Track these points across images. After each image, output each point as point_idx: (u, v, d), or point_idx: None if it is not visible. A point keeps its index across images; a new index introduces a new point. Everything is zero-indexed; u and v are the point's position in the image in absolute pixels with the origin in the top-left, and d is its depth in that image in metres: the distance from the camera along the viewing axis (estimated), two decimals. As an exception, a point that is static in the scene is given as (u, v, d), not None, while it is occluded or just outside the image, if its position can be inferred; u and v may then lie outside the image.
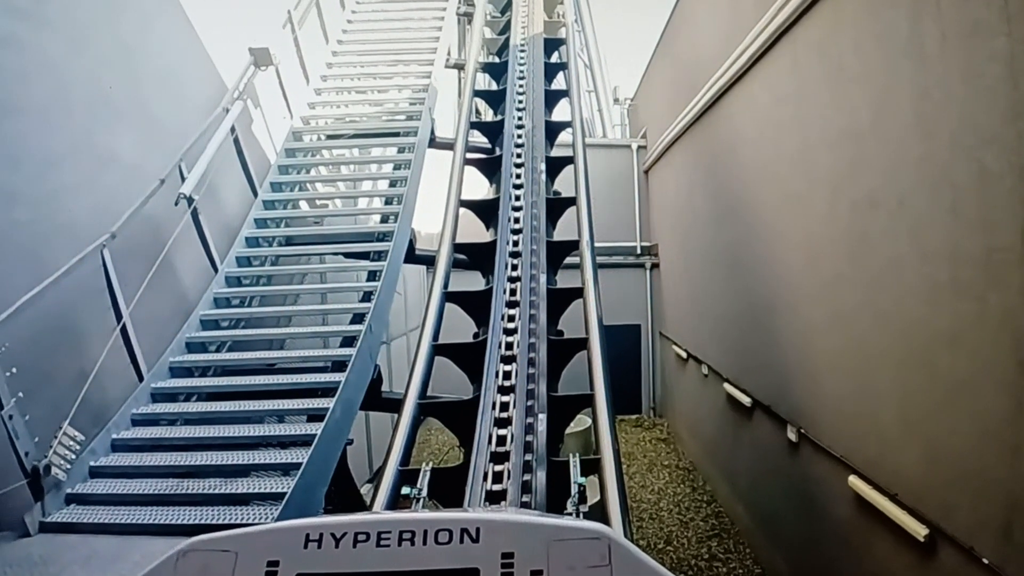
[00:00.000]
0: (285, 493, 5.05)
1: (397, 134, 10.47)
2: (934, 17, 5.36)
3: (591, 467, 4.88)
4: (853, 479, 6.90)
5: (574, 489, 4.44)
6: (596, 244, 7.96)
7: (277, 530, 2.01)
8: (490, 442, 5.19)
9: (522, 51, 11.71)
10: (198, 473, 5.63)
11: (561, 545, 1.87)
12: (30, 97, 5.86)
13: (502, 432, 5.26)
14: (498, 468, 4.93)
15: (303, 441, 5.81)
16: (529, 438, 5.22)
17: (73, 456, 5.28)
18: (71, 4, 6.56)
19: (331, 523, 1.96)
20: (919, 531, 5.73)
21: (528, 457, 5.04)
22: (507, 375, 5.93)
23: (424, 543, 1.89)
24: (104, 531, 4.95)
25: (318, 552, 1.89)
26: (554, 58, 12.06)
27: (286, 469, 5.60)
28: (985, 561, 4.94)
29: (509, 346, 6.31)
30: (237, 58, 9.24)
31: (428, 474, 4.73)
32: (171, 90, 8.05)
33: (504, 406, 5.56)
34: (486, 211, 8.59)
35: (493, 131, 10.13)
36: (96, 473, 5.57)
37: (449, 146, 9.81)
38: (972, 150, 4.98)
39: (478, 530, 1.91)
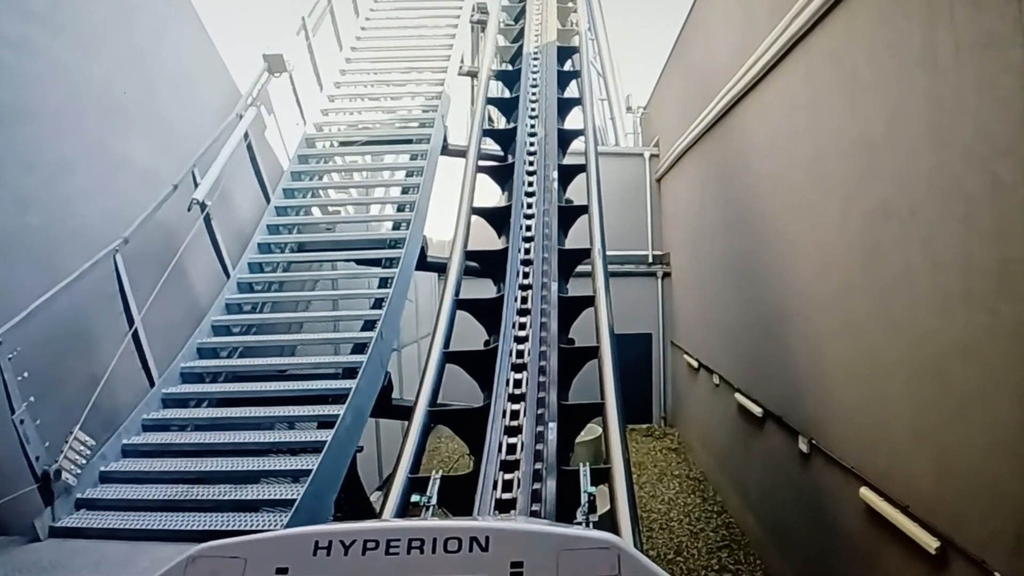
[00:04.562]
0: (295, 500, 5.04)
1: (410, 141, 10.51)
2: (948, 27, 5.35)
3: (601, 476, 4.86)
4: (864, 491, 6.87)
5: (584, 498, 4.42)
6: (608, 253, 7.94)
7: (286, 537, 2.03)
8: (500, 451, 5.16)
9: (535, 59, 11.71)
10: (208, 479, 5.61)
11: (570, 555, 1.87)
12: (43, 102, 5.89)
13: (512, 440, 5.23)
14: (508, 477, 4.90)
15: (313, 448, 5.80)
16: (539, 447, 5.19)
17: (83, 461, 5.29)
18: (85, 9, 6.59)
19: (340, 530, 1.96)
20: (931, 544, 5.69)
21: (538, 466, 5.01)
22: (518, 383, 5.89)
23: (433, 551, 1.89)
24: (113, 536, 4.94)
25: (327, 559, 1.89)
26: (567, 66, 12.06)
27: (296, 476, 5.58)
28: (997, 575, 4.91)
29: (520, 354, 6.29)
30: (251, 64, 9.27)
31: (438, 482, 4.72)
32: (185, 96, 8.08)
33: (515, 414, 5.53)
34: (498, 219, 8.57)
35: (506, 139, 10.12)
36: (106, 478, 5.57)
37: (462, 153, 9.81)
38: (986, 161, 4.96)
39: (487, 539, 1.91)
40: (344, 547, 1.91)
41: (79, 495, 5.28)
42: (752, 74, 9.94)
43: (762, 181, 10.24)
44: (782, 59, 8.91)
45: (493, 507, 4.70)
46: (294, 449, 6.06)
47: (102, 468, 5.60)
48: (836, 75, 7.46)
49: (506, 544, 1.91)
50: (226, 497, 5.36)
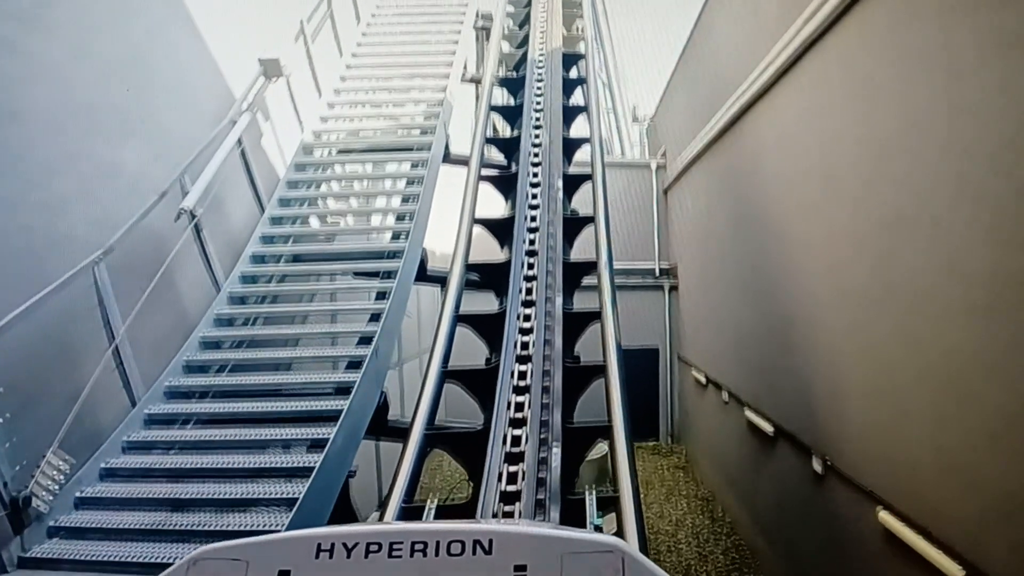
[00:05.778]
0: (280, 530, 4.79)
1: (411, 149, 10.41)
2: (969, 29, 5.15)
3: (609, 504, 4.66)
4: (883, 513, 6.63)
5: (590, 528, 4.24)
6: (614, 265, 7.77)
7: (289, 539, 2.08)
8: (500, 480, 4.99)
9: (540, 66, 11.68)
10: (191, 504, 5.46)
11: (574, 558, 1.91)
12: (31, 104, 5.73)
13: (513, 468, 5.07)
14: (508, 508, 4.72)
15: (302, 472, 5.62)
16: (542, 474, 4.99)
17: (57, 486, 5.10)
18: (77, 10, 6.46)
19: (343, 533, 2.00)
20: (954, 571, 5.44)
21: (541, 496, 4.80)
22: (519, 406, 5.75)
23: (436, 554, 1.93)
24: (88, 568, 4.80)
25: (329, 562, 1.93)
26: (572, 73, 12.02)
27: (285, 503, 5.40)
28: (1026, 606, 4.67)
29: (523, 375, 6.16)
30: (248, 69, 9.13)
31: (433, 512, 4.54)
32: (178, 100, 7.95)
33: (516, 440, 5.36)
34: (501, 230, 8.54)
35: (509, 147, 10.10)
36: (82, 503, 5.40)
37: (464, 162, 9.76)
38: (1012, 167, 4.74)
39: (491, 541, 1.94)
40: (347, 550, 1.94)
41: (52, 522, 5.10)
42: (762, 81, 9.76)
43: (773, 191, 10.06)
44: (793, 65, 8.73)
45: None
46: (284, 473, 5.83)
47: (78, 493, 5.42)
48: (851, 81, 7.27)
49: (510, 547, 1.94)
50: (209, 526, 5.20)
